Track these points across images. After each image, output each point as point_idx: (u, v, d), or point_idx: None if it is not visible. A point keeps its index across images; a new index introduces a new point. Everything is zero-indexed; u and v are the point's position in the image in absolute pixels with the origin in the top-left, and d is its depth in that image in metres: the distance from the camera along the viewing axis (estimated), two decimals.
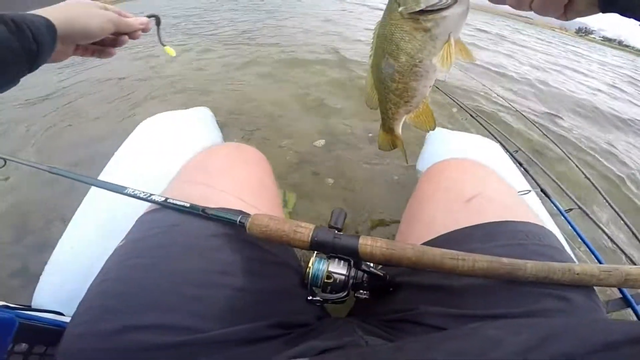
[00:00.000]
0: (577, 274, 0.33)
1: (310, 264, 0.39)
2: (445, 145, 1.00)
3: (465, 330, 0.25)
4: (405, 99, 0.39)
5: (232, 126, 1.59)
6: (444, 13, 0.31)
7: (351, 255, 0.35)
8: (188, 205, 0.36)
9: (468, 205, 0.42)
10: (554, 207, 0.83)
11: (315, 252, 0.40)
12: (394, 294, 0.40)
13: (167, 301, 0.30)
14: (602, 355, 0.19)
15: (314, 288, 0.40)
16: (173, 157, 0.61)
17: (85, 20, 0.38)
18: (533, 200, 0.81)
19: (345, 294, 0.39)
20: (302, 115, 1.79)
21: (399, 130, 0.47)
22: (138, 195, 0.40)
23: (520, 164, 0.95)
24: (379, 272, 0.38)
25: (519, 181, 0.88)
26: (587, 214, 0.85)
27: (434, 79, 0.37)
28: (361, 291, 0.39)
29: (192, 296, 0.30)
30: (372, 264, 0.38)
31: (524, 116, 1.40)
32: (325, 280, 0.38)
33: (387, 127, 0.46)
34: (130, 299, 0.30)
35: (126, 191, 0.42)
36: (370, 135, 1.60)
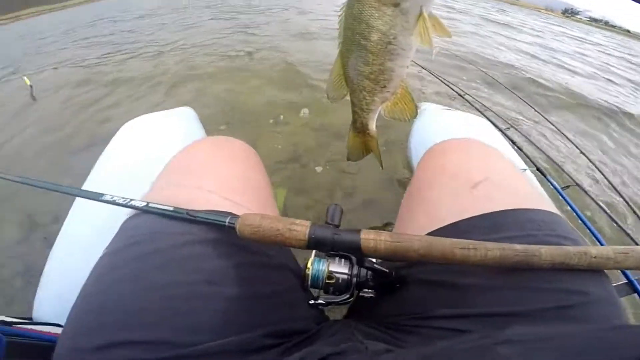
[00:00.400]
0: (594, 257, 0.31)
1: (309, 265, 0.36)
2: (437, 124, 0.97)
3: (479, 350, 0.23)
4: (382, 83, 0.37)
5: (214, 122, 1.55)
6: None
7: (353, 252, 0.32)
8: (171, 209, 0.33)
9: (474, 192, 0.39)
10: (550, 185, 0.83)
11: (314, 251, 0.37)
12: (396, 292, 0.38)
13: (151, 316, 0.27)
14: None
15: (315, 290, 0.37)
16: (157, 159, 0.57)
17: None
18: (530, 178, 0.80)
19: (349, 295, 0.36)
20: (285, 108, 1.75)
21: (373, 126, 0.44)
22: (117, 201, 0.36)
23: (514, 142, 0.93)
24: (384, 269, 0.35)
25: (513, 159, 0.86)
26: (585, 191, 0.85)
27: (410, 57, 0.36)
28: (366, 290, 0.36)
29: (178, 310, 0.27)
30: (375, 260, 0.36)
31: (513, 93, 1.39)
32: (327, 281, 0.36)
33: (360, 124, 0.43)
34: (114, 314, 0.28)
35: (104, 198, 0.38)
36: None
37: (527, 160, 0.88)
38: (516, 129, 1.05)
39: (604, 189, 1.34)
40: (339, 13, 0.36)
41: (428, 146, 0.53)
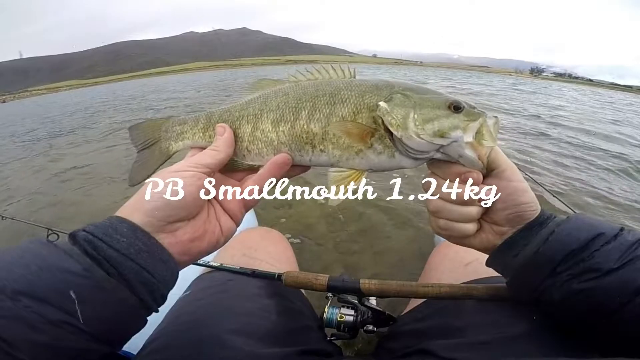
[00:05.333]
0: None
1: (325, 310, 0.57)
2: None
3: None
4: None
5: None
6: (396, 154, 0.37)
7: (355, 292, 0.54)
8: (238, 268, 0.56)
9: (466, 268, 0.61)
10: None
11: (330, 301, 0.59)
12: (406, 336, 0.54)
13: (227, 322, 0.47)
14: None
15: (329, 329, 0.57)
16: None
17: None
18: None
19: (354, 332, 0.56)
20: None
21: None
22: (198, 262, 0.59)
23: None
24: (379, 309, 0.56)
25: None
26: None
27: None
28: (367, 325, 0.56)
29: (244, 321, 0.47)
30: (374, 303, 0.57)
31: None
32: (339, 320, 0.56)
33: None
34: (203, 323, 0.47)
35: None
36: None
37: None
38: None
39: None
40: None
41: (439, 242, 0.81)
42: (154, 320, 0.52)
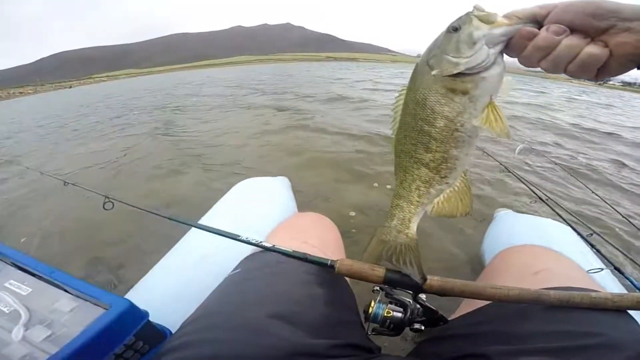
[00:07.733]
0: (594, 297, 0.45)
1: (372, 303, 0.56)
2: (513, 229, 1.04)
3: None
4: (443, 172, 0.38)
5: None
6: (483, 74, 0.34)
7: (413, 288, 0.51)
8: (291, 250, 0.57)
9: (536, 277, 0.57)
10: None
11: (379, 295, 0.57)
12: (457, 339, 0.52)
13: (276, 307, 0.47)
14: None
15: (371, 324, 0.55)
16: (260, 214, 0.89)
17: None
18: (609, 278, 0.88)
19: (398, 330, 0.54)
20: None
21: (415, 226, 0.44)
22: (251, 241, 0.60)
23: (593, 246, 1.03)
24: (433, 307, 0.53)
25: (593, 260, 0.95)
26: None
27: (474, 146, 0.38)
28: (416, 323, 0.53)
29: (293, 309, 0.47)
30: (426, 300, 0.55)
31: (599, 197, 1.47)
32: (385, 315, 0.54)
33: (401, 221, 0.43)
34: (250, 305, 0.47)
35: (240, 238, 0.62)
36: None
37: (607, 261, 0.97)
38: (599, 235, 1.15)
39: None
40: (396, 97, 0.39)
41: (498, 250, 0.76)
42: (196, 298, 0.55)
